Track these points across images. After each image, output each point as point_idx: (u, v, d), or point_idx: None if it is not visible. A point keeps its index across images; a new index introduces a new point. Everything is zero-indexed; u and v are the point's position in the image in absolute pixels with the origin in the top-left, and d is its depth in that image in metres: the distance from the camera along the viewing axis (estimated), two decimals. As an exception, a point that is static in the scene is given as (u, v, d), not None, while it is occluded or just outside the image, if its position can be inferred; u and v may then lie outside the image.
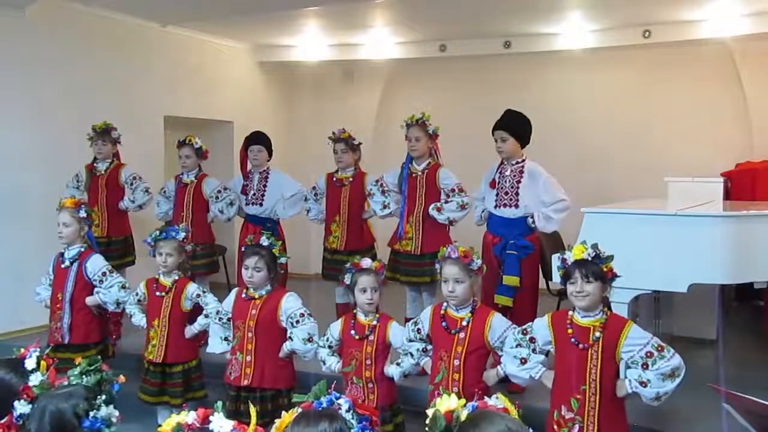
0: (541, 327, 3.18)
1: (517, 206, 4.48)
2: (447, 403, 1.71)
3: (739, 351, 5.12)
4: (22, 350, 2.24)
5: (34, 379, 2.13)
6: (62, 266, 4.33)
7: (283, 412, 1.75)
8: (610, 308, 3.12)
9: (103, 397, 1.93)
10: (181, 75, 7.09)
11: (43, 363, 2.26)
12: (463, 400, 1.75)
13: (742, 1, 5.79)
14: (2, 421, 2.02)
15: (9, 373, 2.15)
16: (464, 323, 3.32)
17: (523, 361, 3.19)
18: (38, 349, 2.23)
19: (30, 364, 2.17)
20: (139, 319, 4.19)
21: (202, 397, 4.08)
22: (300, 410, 1.73)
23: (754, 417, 2.24)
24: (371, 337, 3.54)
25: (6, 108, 5.57)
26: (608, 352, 2.99)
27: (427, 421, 1.71)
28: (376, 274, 3.57)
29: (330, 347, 3.69)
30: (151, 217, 5.66)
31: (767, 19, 6.00)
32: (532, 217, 4.46)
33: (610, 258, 3.01)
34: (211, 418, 1.62)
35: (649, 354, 2.95)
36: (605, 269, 3.00)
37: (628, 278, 3.07)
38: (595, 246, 3.02)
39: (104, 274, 4.29)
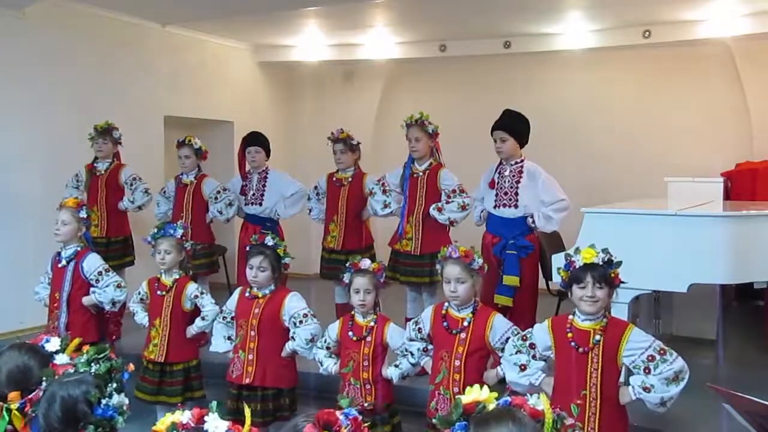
0: (541, 332, 3.12)
1: (516, 206, 4.48)
2: (475, 394, 1.62)
3: (739, 351, 5.12)
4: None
5: (60, 359, 2.13)
6: (59, 266, 4.32)
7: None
8: (609, 312, 3.08)
9: (114, 385, 1.92)
10: (181, 75, 7.08)
11: (73, 342, 2.26)
12: (495, 393, 1.65)
13: (742, 1, 5.78)
14: (30, 396, 2.02)
15: (31, 359, 2.15)
16: (465, 323, 3.31)
17: (522, 367, 3.12)
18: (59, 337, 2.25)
19: (52, 346, 2.17)
20: (141, 317, 4.20)
21: (201, 398, 4.07)
22: None
23: (754, 417, 2.23)
24: (369, 339, 3.54)
25: (5, 108, 5.56)
26: (609, 355, 2.93)
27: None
28: (373, 276, 3.56)
29: (328, 348, 3.69)
30: (151, 217, 5.65)
31: (767, 19, 6.00)
32: (532, 217, 4.47)
33: (620, 264, 2.96)
34: (206, 417, 1.60)
35: (651, 358, 2.89)
36: (613, 275, 2.95)
37: (628, 278, 3.05)
38: (606, 250, 2.96)
39: (100, 273, 4.28)
